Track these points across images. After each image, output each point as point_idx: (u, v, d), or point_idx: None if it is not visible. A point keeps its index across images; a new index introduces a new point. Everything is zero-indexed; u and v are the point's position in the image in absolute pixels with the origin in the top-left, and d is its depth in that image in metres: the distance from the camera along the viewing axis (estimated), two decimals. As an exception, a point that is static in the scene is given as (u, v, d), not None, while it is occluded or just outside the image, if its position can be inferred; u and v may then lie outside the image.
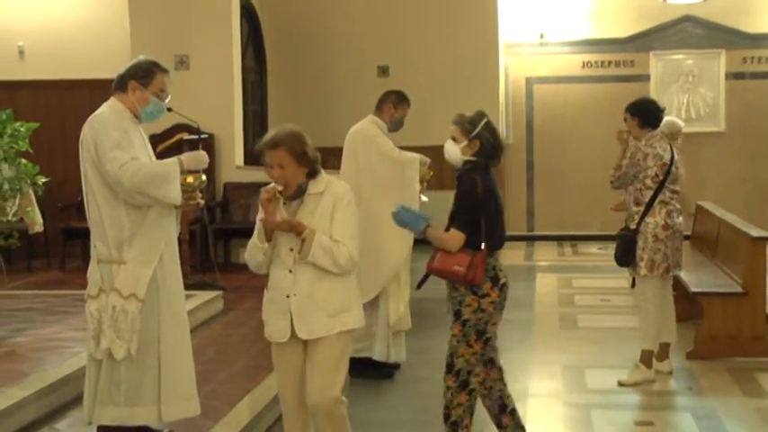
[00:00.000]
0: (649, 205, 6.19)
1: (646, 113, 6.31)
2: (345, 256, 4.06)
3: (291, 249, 4.06)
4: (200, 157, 4.72)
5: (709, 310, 6.86)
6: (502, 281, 4.69)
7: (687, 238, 9.00)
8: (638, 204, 6.24)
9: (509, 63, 13.19)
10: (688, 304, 7.44)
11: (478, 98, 12.60)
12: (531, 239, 13.16)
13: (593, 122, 12.61)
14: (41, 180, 6.66)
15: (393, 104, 6.46)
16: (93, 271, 4.52)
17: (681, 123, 8.36)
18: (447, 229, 4.65)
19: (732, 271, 7.23)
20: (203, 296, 7.79)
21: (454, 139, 4.71)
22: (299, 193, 4.12)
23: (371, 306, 6.15)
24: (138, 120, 4.59)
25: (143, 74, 4.55)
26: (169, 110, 4.73)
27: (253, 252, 4.13)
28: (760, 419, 5.59)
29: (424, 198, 6.58)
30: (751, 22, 12.94)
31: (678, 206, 6.31)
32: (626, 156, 6.32)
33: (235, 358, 6.48)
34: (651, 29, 12.99)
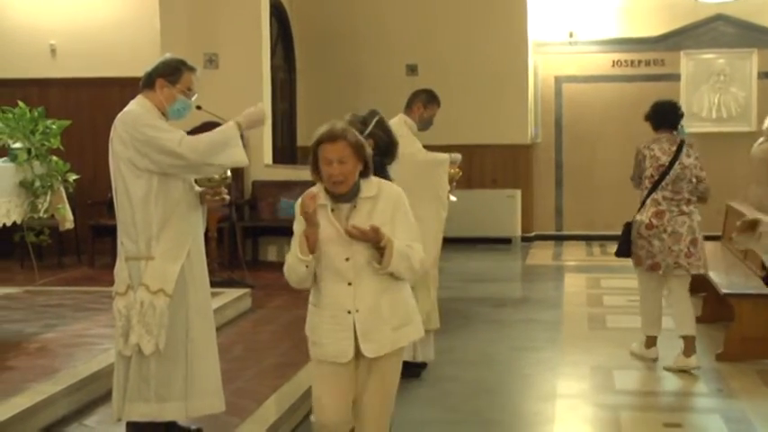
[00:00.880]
0: (642, 203, 6.59)
1: (656, 116, 6.64)
2: (419, 260, 3.77)
3: (348, 259, 3.71)
4: (258, 112, 4.64)
5: (739, 311, 6.80)
6: None
7: (718, 238, 8.97)
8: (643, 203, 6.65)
9: (538, 62, 13.14)
10: (718, 305, 7.38)
11: (507, 97, 12.63)
12: (559, 239, 13.12)
13: (622, 122, 12.52)
14: (72, 177, 6.71)
15: (423, 104, 6.46)
16: (121, 268, 4.55)
17: None
18: None
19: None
20: (231, 294, 7.81)
21: None
22: (352, 195, 3.75)
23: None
24: (165, 117, 4.61)
25: (171, 72, 4.57)
26: (198, 108, 4.75)
27: (294, 267, 3.75)
28: (791, 422, 5.53)
29: (453, 198, 6.57)
30: (783, 22, 12.82)
31: (675, 208, 6.49)
32: None
33: (263, 356, 6.50)
34: (682, 28, 12.89)
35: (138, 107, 4.55)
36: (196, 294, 4.60)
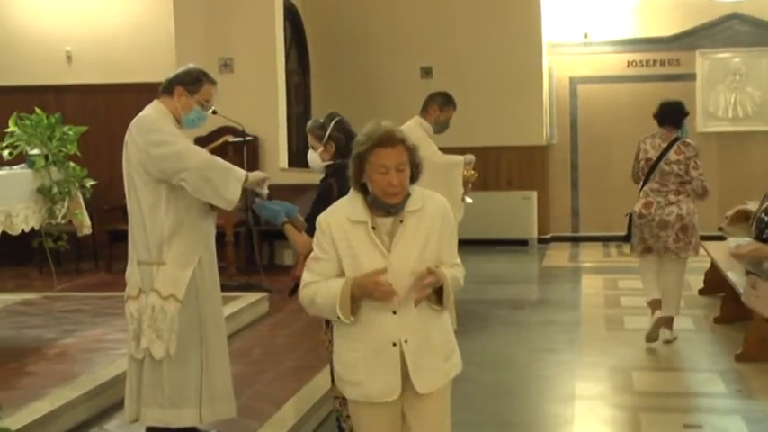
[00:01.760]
0: (638, 195, 7.17)
1: (661, 114, 7.18)
2: (462, 276, 3.43)
3: (391, 285, 3.21)
4: (264, 175, 4.70)
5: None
6: None
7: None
8: None
9: (553, 63, 13.12)
10: (737, 306, 7.33)
11: (522, 99, 12.61)
12: (575, 240, 13.09)
13: (638, 122, 12.41)
14: (89, 183, 6.74)
15: (438, 106, 6.48)
16: (133, 272, 4.57)
17: None
18: None
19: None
20: (249, 298, 7.82)
21: (313, 148, 4.62)
22: (399, 208, 3.29)
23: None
24: (179, 125, 4.62)
25: (191, 81, 4.58)
26: (214, 112, 4.77)
27: (322, 308, 3.33)
28: (812, 423, 5.50)
29: (468, 200, 6.58)
30: (800, 20, 12.75)
31: (662, 199, 7.01)
32: None
33: (280, 359, 6.51)
34: (697, 27, 12.83)
35: (153, 112, 4.57)
36: (208, 301, 4.62)
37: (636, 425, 5.50)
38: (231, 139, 8.67)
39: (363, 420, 3.41)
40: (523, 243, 12.69)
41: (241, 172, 4.52)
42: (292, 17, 12.14)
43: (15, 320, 7.25)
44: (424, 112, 6.47)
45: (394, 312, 3.25)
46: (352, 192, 3.35)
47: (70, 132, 6.60)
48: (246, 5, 10.34)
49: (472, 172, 6.59)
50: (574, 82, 13.23)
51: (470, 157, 6.60)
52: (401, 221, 3.28)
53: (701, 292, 9.00)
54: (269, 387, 5.80)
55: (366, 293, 3.20)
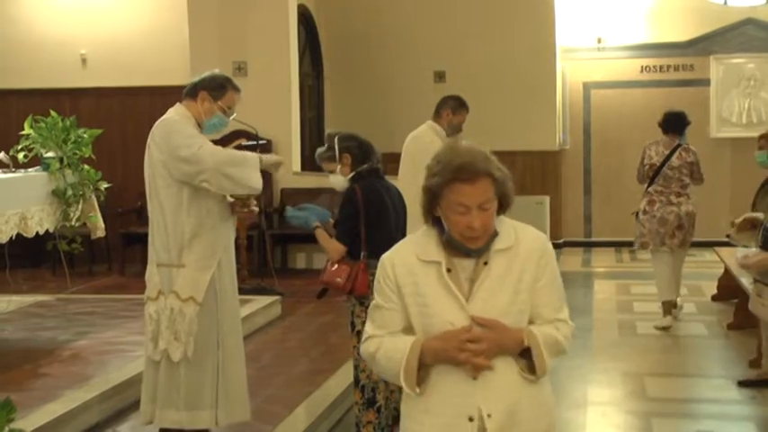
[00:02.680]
0: (642, 195, 8.03)
1: (665, 123, 8.08)
2: (568, 337, 2.75)
3: (471, 342, 2.56)
4: (279, 158, 4.81)
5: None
6: None
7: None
8: None
9: (566, 68, 13.10)
10: (750, 312, 7.30)
11: (535, 103, 12.59)
12: (588, 245, 13.06)
13: (651, 128, 12.32)
14: (104, 186, 6.77)
15: (451, 110, 6.48)
16: (153, 274, 4.59)
17: None
18: None
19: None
20: (261, 301, 7.85)
21: (332, 172, 4.66)
22: (484, 248, 2.65)
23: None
24: (200, 129, 4.64)
25: (216, 87, 4.61)
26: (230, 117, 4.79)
27: (384, 371, 2.71)
28: (826, 430, 5.47)
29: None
30: (814, 25, 12.70)
31: (664, 199, 7.86)
32: None
33: (293, 363, 6.52)
34: (711, 32, 12.79)
35: (175, 114, 4.60)
36: (226, 304, 4.64)
37: (648, 431, 5.48)
38: (245, 142, 8.68)
39: None
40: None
41: (255, 158, 4.56)
42: (306, 21, 12.17)
43: (29, 322, 7.29)
44: (437, 116, 6.47)
45: (474, 378, 2.58)
46: (425, 228, 2.74)
47: (85, 135, 6.63)
48: (260, 9, 10.37)
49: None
50: (587, 87, 13.20)
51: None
52: (485, 263, 2.63)
53: (714, 298, 8.97)
54: (281, 390, 5.81)
55: (443, 360, 2.58)
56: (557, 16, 12.65)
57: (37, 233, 6.26)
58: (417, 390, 2.60)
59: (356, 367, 4.58)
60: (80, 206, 6.53)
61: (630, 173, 12.91)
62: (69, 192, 6.43)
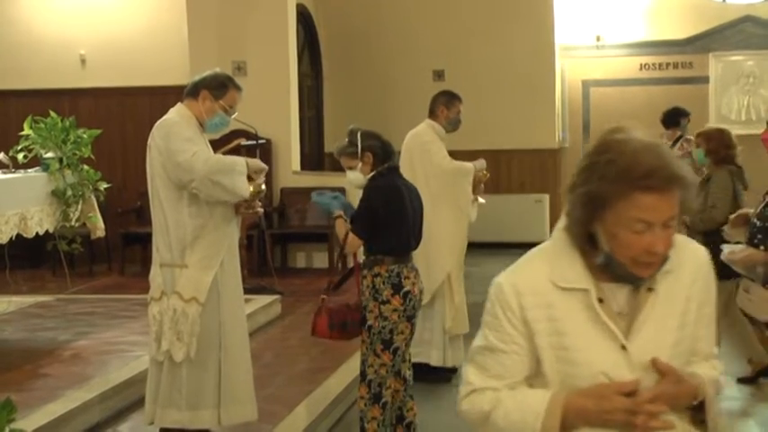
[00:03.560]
0: None
1: (665, 119, 8.71)
2: (723, 382, 2.20)
3: (629, 394, 1.96)
4: (262, 164, 4.73)
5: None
6: (406, 288, 4.54)
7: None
8: None
9: (565, 66, 13.10)
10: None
11: (534, 101, 12.59)
12: (588, 243, 13.05)
13: (650, 125, 12.41)
14: (103, 186, 6.77)
15: (444, 105, 6.45)
16: (156, 274, 4.59)
17: None
18: None
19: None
20: (261, 300, 7.85)
21: (350, 168, 4.64)
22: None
23: (426, 311, 6.14)
24: (202, 129, 4.64)
25: (217, 86, 4.61)
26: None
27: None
28: (826, 426, 5.48)
29: (481, 200, 6.57)
30: (813, 22, 12.70)
31: None
32: None
33: (293, 362, 6.52)
34: (710, 30, 12.79)
35: (176, 115, 4.59)
36: (229, 304, 4.63)
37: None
38: (244, 142, 8.70)
39: None
40: (535, 246, 12.65)
41: (243, 164, 4.54)
42: (305, 20, 12.17)
43: (29, 323, 7.29)
44: (433, 114, 6.45)
45: None
46: (561, 243, 2.17)
47: (84, 135, 6.63)
48: (259, 9, 10.37)
49: (484, 172, 6.57)
50: (586, 85, 13.21)
51: (481, 162, 6.58)
52: (649, 288, 2.05)
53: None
54: (281, 389, 5.82)
55: (597, 423, 1.97)
56: (556, 14, 12.66)
57: (37, 233, 6.27)
58: None
59: (364, 362, 4.59)
60: (80, 206, 6.53)
61: (630, 171, 12.98)
62: (69, 192, 6.44)
